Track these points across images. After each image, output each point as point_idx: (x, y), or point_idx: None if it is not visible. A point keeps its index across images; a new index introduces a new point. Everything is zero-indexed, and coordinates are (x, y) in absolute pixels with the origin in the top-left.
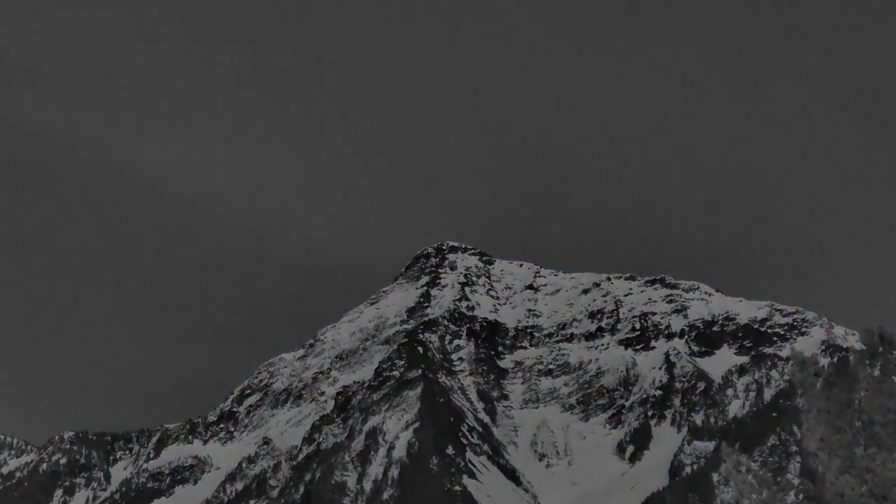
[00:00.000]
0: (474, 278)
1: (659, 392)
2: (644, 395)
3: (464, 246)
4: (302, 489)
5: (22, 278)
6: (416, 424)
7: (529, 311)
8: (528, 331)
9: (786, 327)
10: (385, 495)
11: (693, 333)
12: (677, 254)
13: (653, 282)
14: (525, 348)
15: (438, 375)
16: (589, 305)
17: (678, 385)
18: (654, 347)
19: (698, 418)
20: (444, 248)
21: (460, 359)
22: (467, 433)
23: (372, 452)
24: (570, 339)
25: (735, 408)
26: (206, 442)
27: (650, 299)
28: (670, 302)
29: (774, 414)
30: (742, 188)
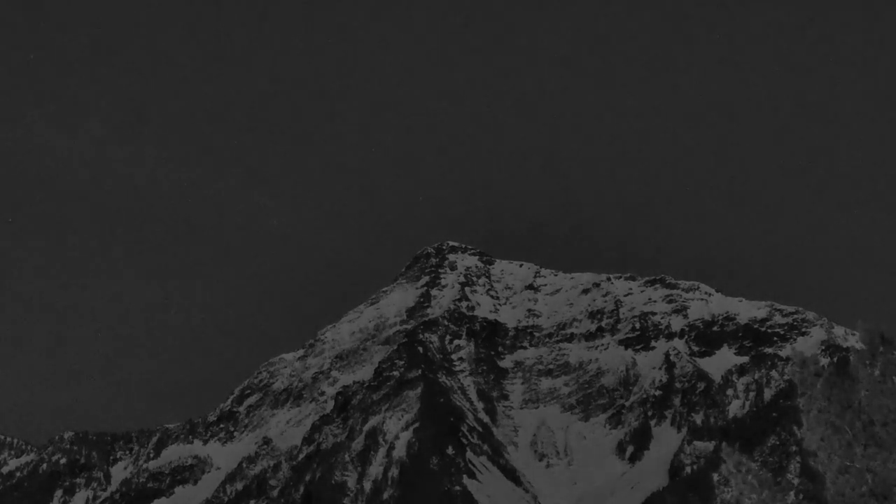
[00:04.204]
0: (474, 278)
1: (659, 392)
2: (644, 395)
3: (464, 246)
4: (302, 489)
5: (22, 278)
6: (416, 424)
7: (529, 311)
8: (528, 331)
9: (786, 327)
10: (385, 495)
11: (693, 333)
12: (677, 254)
13: (653, 282)
14: (525, 348)
15: (438, 375)
16: (589, 305)
17: (678, 385)
18: (654, 347)
19: (698, 418)
20: (444, 248)
21: (460, 359)
22: (467, 433)
23: (372, 452)
24: (570, 339)
25: (735, 408)
26: (206, 442)
27: (650, 299)
28: (670, 302)
29: (774, 414)
30: (742, 188)
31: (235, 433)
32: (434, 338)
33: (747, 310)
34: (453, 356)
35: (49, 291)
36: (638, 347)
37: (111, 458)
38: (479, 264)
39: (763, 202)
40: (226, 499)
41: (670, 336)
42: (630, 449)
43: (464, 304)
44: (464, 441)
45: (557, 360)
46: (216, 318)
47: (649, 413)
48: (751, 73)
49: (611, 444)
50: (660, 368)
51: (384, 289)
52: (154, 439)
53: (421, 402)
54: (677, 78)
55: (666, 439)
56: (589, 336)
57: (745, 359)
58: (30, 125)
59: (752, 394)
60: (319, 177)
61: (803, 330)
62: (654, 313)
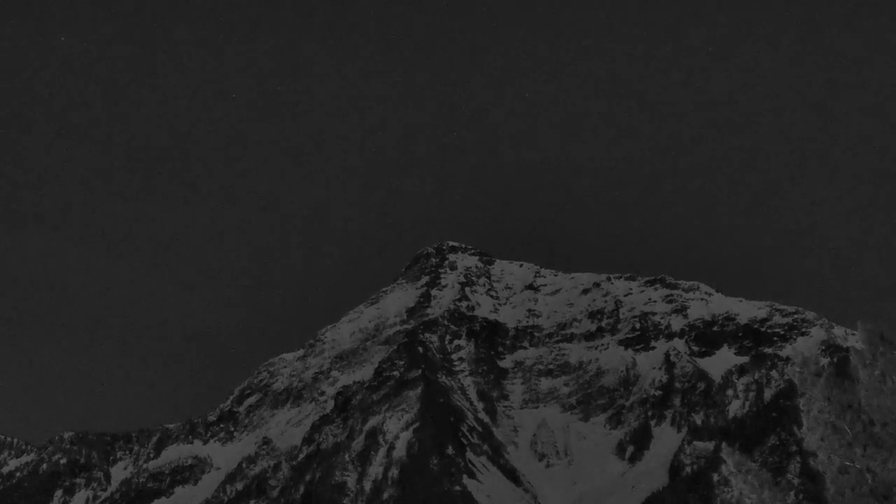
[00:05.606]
0: (474, 278)
1: (659, 392)
2: (644, 395)
3: (464, 246)
4: (302, 489)
5: (22, 278)
6: (416, 424)
7: (529, 311)
8: (528, 331)
9: (786, 327)
10: (385, 495)
11: (693, 333)
12: (677, 254)
13: (653, 282)
14: (525, 348)
15: (438, 375)
16: (589, 305)
17: (678, 385)
18: (654, 347)
19: (698, 418)
20: (444, 248)
21: (460, 359)
22: (467, 433)
23: (372, 452)
24: (570, 339)
25: (735, 408)
26: (206, 442)
27: (650, 299)
28: (670, 302)
29: (774, 414)
30: (742, 188)
31: (235, 433)
32: (434, 338)
33: (747, 310)
34: (453, 356)
35: (49, 291)
36: (638, 347)
37: (111, 458)
38: (479, 264)
39: (764, 202)
40: (226, 499)
41: (670, 336)
42: (630, 449)
43: (464, 304)
44: (464, 441)
45: (557, 360)
46: (216, 318)
47: (649, 413)
48: (751, 72)
49: (611, 444)
50: (660, 368)
51: (384, 289)
52: (154, 439)
53: (421, 402)
54: (677, 77)
55: (666, 439)
56: (589, 336)
57: (745, 359)
58: None
59: (752, 394)
60: (319, 177)
61: (803, 330)
62: (654, 313)
